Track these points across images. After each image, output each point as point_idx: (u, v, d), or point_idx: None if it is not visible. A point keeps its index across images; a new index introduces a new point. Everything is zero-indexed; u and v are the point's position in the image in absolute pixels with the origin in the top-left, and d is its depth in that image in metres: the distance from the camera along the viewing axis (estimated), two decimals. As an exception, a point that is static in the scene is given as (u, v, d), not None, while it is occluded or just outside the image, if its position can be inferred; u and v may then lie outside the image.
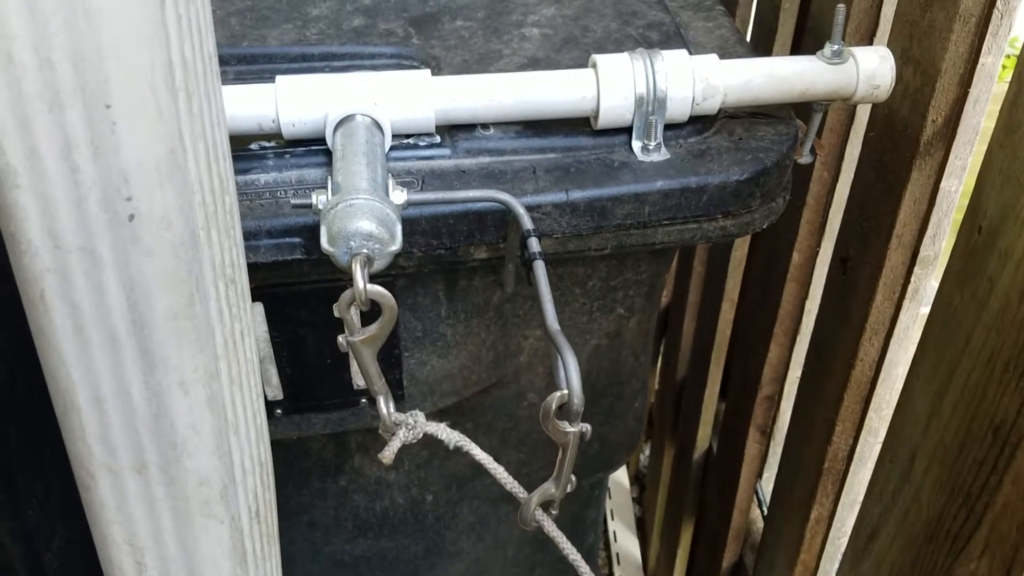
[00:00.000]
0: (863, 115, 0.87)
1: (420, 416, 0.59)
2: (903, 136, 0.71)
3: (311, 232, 0.59)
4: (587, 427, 0.54)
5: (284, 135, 0.62)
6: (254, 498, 0.48)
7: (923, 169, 0.71)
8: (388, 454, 0.57)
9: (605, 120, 0.64)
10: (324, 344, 0.69)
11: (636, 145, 0.65)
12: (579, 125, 0.66)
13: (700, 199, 0.63)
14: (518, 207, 0.58)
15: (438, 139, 0.64)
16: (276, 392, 0.71)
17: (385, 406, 0.58)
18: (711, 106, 0.65)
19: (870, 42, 0.82)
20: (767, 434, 1.12)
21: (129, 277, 0.36)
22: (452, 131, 0.65)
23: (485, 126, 0.66)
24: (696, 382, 1.33)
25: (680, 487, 1.44)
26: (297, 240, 0.60)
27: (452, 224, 0.61)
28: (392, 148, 0.63)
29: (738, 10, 1.12)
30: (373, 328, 0.54)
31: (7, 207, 0.33)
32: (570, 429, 0.54)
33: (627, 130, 0.65)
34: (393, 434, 0.58)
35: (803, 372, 0.94)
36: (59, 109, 0.31)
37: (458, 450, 0.61)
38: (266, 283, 0.64)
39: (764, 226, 0.66)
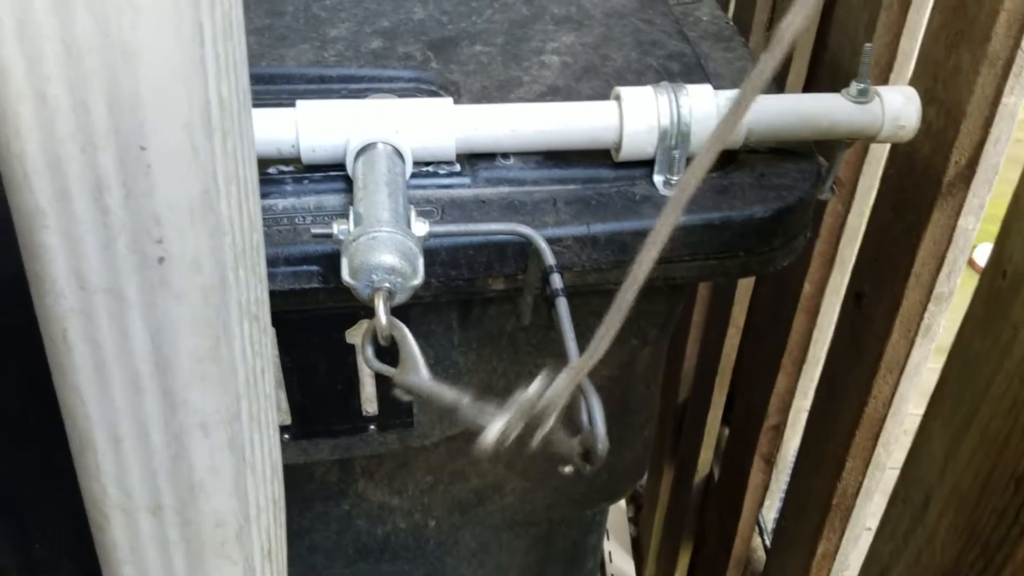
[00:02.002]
0: (878, 148, 0.87)
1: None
2: (924, 176, 0.70)
3: (329, 260, 0.58)
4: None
5: (303, 160, 0.61)
6: (267, 537, 0.47)
7: (944, 210, 0.70)
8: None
9: (627, 153, 0.63)
10: (335, 370, 0.68)
11: (658, 179, 0.64)
12: (600, 157, 0.65)
13: (722, 235, 0.63)
14: (540, 242, 0.57)
15: (458, 168, 0.63)
16: (284, 417, 0.69)
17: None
18: (734, 141, 0.64)
19: (887, 78, 0.82)
20: (771, 463, 1.12)
21: (155, 320, 0.35)
22: (472, 160, 0.64)
23: (505, 155, 0.65)
24: (698, 406, 1.32)
25: (679, 510, 1.43)
26: (315, 268, 0.59)
27: (471, 255, 0.60)
28: (411, 175, 0.62)
29: (751, 37, 1.12)
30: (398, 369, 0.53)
31: (33, 247, 0.32)
32: (588, 469, 0.53)
33: (648, 163, 0.64)
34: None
35: (812, 406, 0.93)
36: (92, 151, 0.30)
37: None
38: (279, 309, 0.63)
39: (784, 264, 0.66)
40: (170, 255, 0.33)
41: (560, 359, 0.73)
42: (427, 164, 0.62)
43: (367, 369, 0.69)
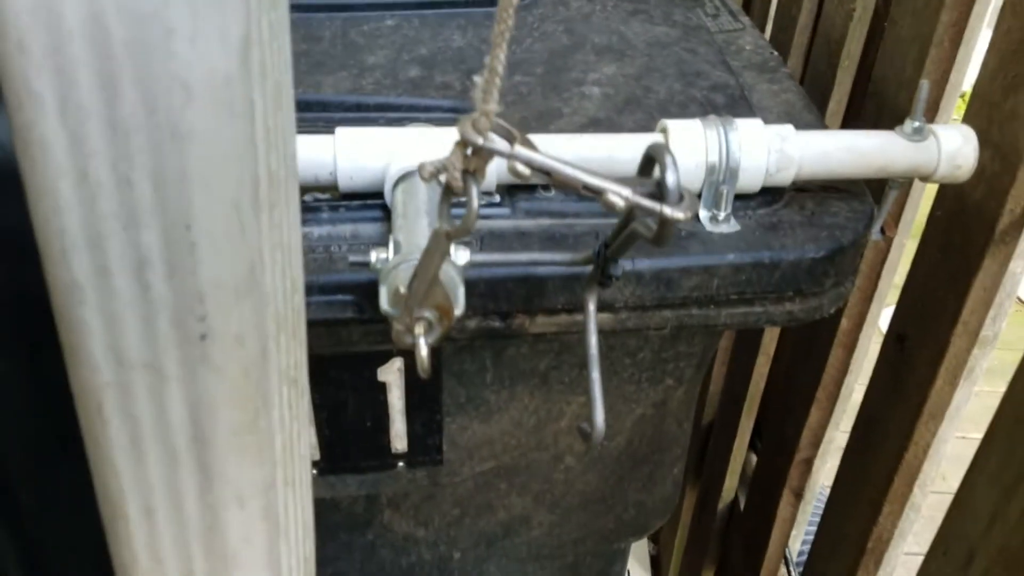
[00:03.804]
0: (923, 185, 0.85)
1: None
2: (976, 221, 0.68)
3: (365, 291, 0.57)
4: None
5: (340, 188, 0.60)
6: (298, 597, 0.45)
7: (996, 257, 0.68)
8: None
9: (672, 189, 0.61)
10: (365, 407, 0.66)
11: (704, 215, 0.62)
12: (643, 194, 0.63)
13: (772, 275, 0.61)
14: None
15: (497, 198, 0.61)
16: (313, 452, 0.68)
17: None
18: (784, 178, 0.62)
19: (934, 116, 0.79)
20: (801, 496, 1.10)
21: (194, 395, 0.33)
22: (512, 191, 0.62)
23: (546, 187, 0.63)
24: (725, 431, 1.30)
25: (701, 534, 1.41)
26: (350, 298, 0.57)
27: (510, 288, 0.59)
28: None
29: (789, 60, 1.10)
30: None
31: (70, 321, 0.31)
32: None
33: (693, 202, 0.62)
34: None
35: (848, 445, 0.91)
36: (135, 228, 0.29)
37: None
38: (313, 349, 0.62)
39: (831, 311, 0.64)
40: (212, 332, 0.32)
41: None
42: (466, 197, 0.61)
43: (397, 406, 0.68)
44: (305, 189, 0.61)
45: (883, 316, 0.99)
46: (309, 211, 0.60)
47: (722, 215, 0.62)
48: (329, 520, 0.80)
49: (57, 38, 0.25)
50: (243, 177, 0.30)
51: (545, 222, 0.62)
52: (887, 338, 0.83)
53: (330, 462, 0.69)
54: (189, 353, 0.32)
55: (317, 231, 0.60)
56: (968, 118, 0.69)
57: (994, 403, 0.65)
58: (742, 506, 1.28)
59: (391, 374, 0.65)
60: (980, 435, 0.66)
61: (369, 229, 0.60)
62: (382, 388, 0.65)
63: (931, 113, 0.80)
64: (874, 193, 0.67)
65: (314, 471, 0.69)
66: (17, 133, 0.28)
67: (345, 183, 0.59)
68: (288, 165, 0.34)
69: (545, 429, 0.75)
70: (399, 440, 0.69)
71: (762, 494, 1.15)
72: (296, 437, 0.41)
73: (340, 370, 0.64)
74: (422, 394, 0.67)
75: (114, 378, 0.32)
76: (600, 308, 0.59)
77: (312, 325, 0.57)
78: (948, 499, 0.70)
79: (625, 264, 0.59)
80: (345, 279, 0.57)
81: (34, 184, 0.29)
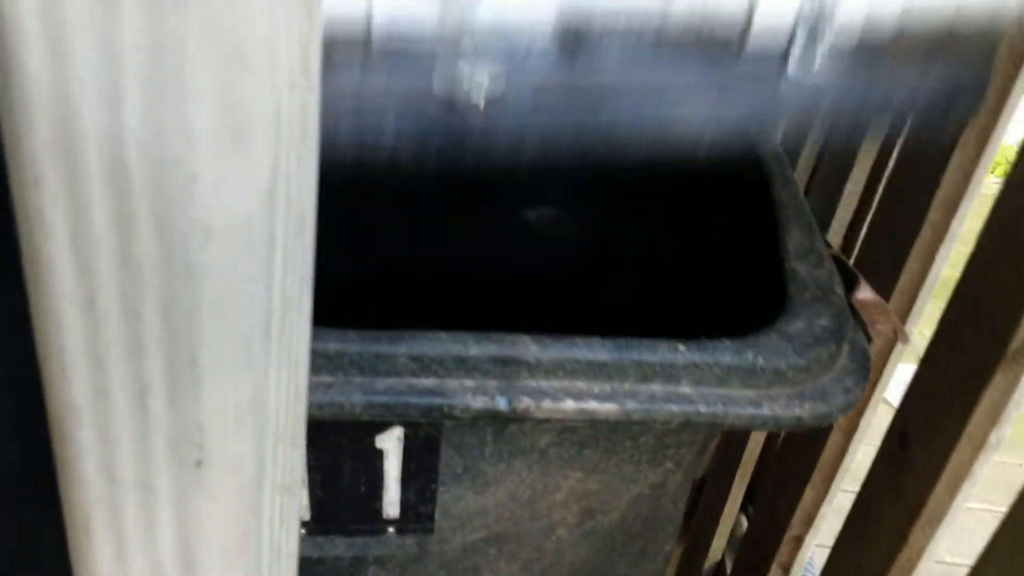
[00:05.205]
0: (932, 284, 0.84)
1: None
2: (989, 335, 0.67)
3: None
4: None
5: None
6: None
7: (1007, 374, 0.67)
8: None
9: (757, 38, 0.54)
10: (361, 472, 0.65)
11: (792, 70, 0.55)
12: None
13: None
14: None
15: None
16: (303, 513, 0.67)
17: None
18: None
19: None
20: (789, 571, 1.08)
21: (185, 516, 0.32)
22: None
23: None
24: (716, 493, 1.28)
25: (685, 593, 1.40)
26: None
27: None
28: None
29: None
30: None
31: (64, 440, 0.30)
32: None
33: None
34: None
35: (841, 533, 0.89)
36: (139, 358, 0.28)
37: None
38: (311, 414, 0.60)
39: (840, 417, 0.62)
40: (208, 458, 0.31)
41: (592, 474, 0.71)
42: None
43: (393, 474, 0.67)
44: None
45: (889, 391, 0.98)
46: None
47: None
48: (313, 572, 0.78)
49: (76, 178, 0.24)
50: (256, 310, 0.29)
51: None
52: (889, 434, 0.81)
53: (320, 523, 0.68)
54: (183, 477, 0.31)
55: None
56: (985, 234, 0.68)
57: (998, 473, 0.63)
58: (728, 570, 1.27)
59: (390, 442, 0.64)
60: (981, 504, 0.64)
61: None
62: (379, 455, 0.64)
63: (951, 206, 0.79)
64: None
65: (303, 531, 0.68)
66: (26, 254, 0.27)
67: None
68: (304, 283, 0.33)
69: (540, 502, 0.74)
70: (392, 507, 0.68)
71: (749, 566, 1.13)
72: (286, 541, 0.40)
73: (339, 435, 0.63)
74: (419, 463, 0.66)
75: (104, 495, 0.31)
76: (606, 400, 0.58)
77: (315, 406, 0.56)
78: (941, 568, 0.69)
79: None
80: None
81: (39, 303, 0.28)
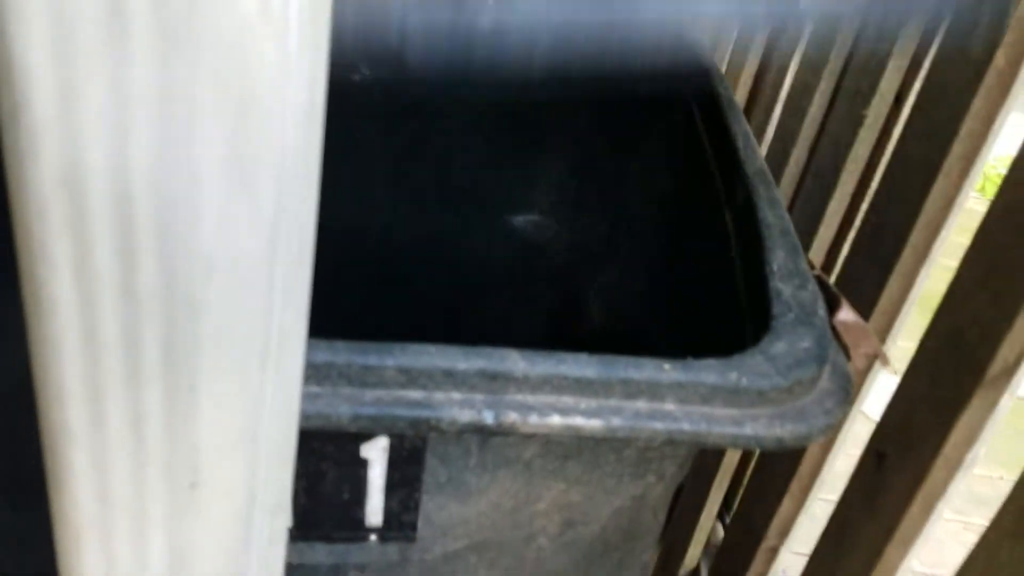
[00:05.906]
0: (912, 303, 0.85)
1: None
2: (968, 363, 0.68)
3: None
4: None
5: None
6: None
7: (985, 398, 0.68)
8: None
9: None
10: (344, 480, 0.66)
11: None
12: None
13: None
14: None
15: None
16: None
17: None
18: None
19: (936, 231, 0.79)
20: (764, 581, 1.09)
21: (176, 538, 0.32)
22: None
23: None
24: (693, 502, 1.29)
25: (660, 598, 1.41)
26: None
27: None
28: None
29: (793, 152, 1.09)
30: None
31: (58, 463, 0.30)
32: None
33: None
34: None
35: (817, 549, 0.90)
36: (137, 387, 0.28)
37: None
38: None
39: (819, 440, 0.63)
40: (202, 482, 0.31)
41: (575, 485, 0.71)
42: None
43: (377, 483, 0.67)
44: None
45: (867, 403, 0.99)
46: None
47: None
48: (292, 576, 0.78)
49: (80, 212, 0.24)
50: (255, 340, 0.29)
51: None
52: (866, 453, 0.82)
53: (301, 530, 0.68)
54: (176, 500, 0.31)
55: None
56: (967, 263, 0.69)
57: (969, 485, 0.64)
58: (704, 578, 1.28)
59: (375, 451, 0.64)
60: (953, 516, 0.65)
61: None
62: (364, 464, 0.65)
63: (933, 230, 0.80)
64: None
65: (283, 536, 0.68)
66: (26, 283, 0.27)
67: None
68: (300, 315, 0.33)
69: (522, 511, 0.74)
70: (375, 515, 0.68)
71: (724, 575, 1.15)
72: (275, 560, 0.41)
73: (324, 442, 0.63)
74: (403, 472, 0.66)
75: (96, 518, 0.31)
76: (592, 416, 0.59)
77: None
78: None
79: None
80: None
81: (38, 331, 0.28)
